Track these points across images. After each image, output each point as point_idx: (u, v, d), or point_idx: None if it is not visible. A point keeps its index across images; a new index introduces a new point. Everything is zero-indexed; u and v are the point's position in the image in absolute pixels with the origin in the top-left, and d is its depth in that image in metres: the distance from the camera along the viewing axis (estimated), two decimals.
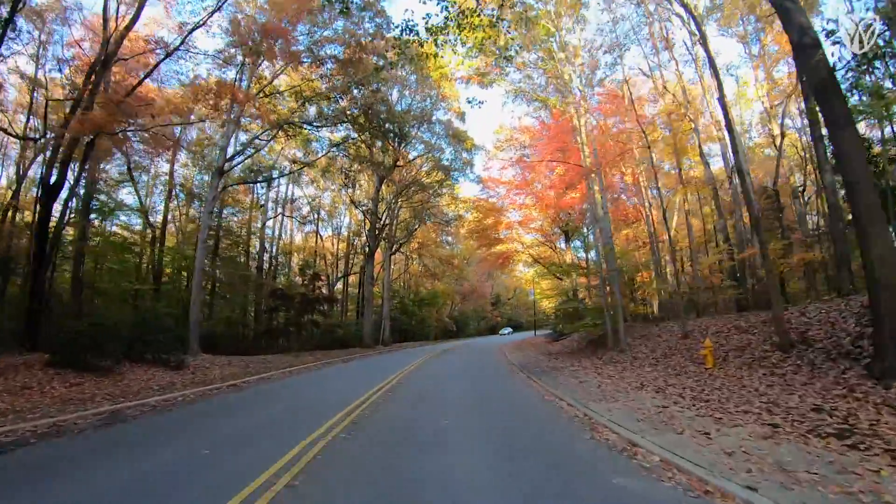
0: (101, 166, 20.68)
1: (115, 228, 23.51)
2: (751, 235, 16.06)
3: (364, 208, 28.48)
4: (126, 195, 25.29)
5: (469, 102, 27.24)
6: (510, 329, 56.22)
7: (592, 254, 24.53)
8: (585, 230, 36.85)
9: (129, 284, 20.26)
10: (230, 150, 20.53)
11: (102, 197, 21.40)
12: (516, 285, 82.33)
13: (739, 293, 16.99)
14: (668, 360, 11.50)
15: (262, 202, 33.05)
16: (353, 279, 45.00)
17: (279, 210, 31.69)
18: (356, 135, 22.09)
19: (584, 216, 35.92)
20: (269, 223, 38.34)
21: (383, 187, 31.66)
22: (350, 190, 27.20)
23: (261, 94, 19.66)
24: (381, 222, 28.49)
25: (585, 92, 22.87)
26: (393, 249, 34.24)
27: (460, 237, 57.92)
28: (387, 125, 22.35)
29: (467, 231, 38.44)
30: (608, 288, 15.90)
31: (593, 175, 20.74)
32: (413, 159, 31.81)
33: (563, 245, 39.49)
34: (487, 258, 44.42)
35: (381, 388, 9.91)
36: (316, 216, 40.66)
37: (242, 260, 31.64)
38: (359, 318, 43.91)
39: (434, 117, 29.63)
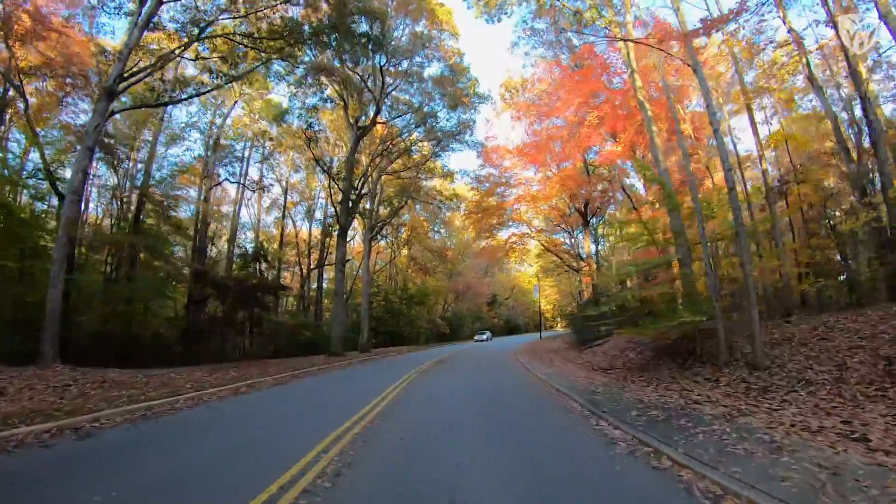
0: None
1: None
2: None
3: (334, 172, 21.94)
4: None
5: None
6: (488, 334, 44.98)
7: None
8: (613, 209, 30.78)
9: None
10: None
11: None
12: (514, 284, 76.19)
13: None
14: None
15: (214, 173, 26.35)
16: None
17: (228, 178, 24.98)
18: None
19: (605, 196, 29.81)
20: (227, 209, 31.66)
21: (363, 157, 25.24)
22: (314, 143, 20.62)
23: None
24: (357, 192, 22.09)
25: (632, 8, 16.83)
26: (374, 232, 27.71)
27: (454, 228, 51.65)
28: (360, 19, 15.88)
29: (466, 212, 32.02)
30: (716, 261, 9.65)
31: (650, 113, 14.72)
32: (392, 119, 25.39)
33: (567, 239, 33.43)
34: (487, 250, 38.29)
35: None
36: (284, 198, 34.02)
37: (183, 247, 24.92)
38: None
39: (424, 62, 23.31)
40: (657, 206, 19.87)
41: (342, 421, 5.95)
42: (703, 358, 9.85)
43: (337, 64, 17.88)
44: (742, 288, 12.86)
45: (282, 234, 33.35)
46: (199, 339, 18.69)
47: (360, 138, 22.90)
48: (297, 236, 36.81)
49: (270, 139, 28.45)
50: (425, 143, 28.18)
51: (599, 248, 30.91)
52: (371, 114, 23.07)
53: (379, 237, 32.43)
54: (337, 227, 22.12)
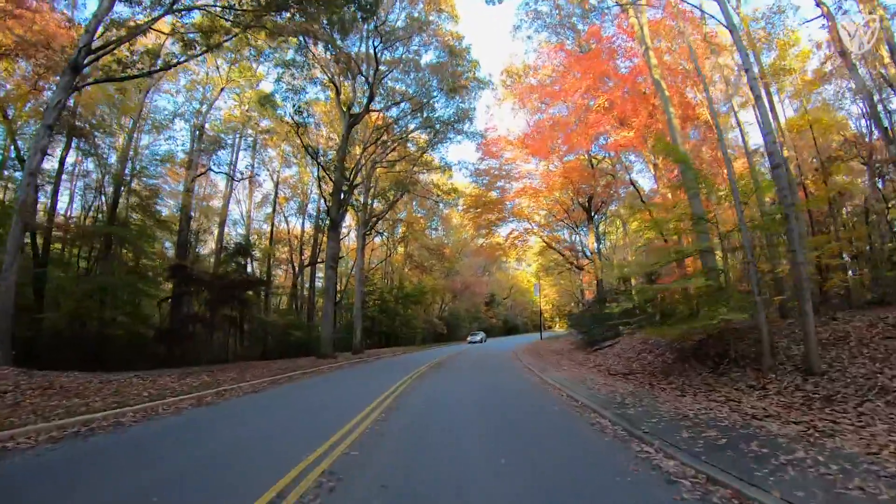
0: None
1: None
2: None
3: (326, 161, 20.55)
4: None
5: None
6: (482, 335, 41.47)
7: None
8: (615, 206, 29.55)
9: None
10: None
11: None
12: (513, 283, 74.93)
13: None
14: None
15: (203, 163, 24.95)
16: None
17: (212, 168, 23.53)
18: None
19: (609, 192, 28.59)
20: (218, 203, 30.26)
21: (356, 147, 23.90)
22: (303, 130, 19.18)
23: None
24: (350, 183, 20.75)
25: None
26: (368, 226, 26.36)
27: (452, 226, 50.34)
28: None
29: (464, 207, 30.73)
30: (759, 249, 8.40)
31: (667, 92, 13.57)
32: (387, 109, 24.06)
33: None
34: (485, 248, 37.03)
35: None
36: (275, 192, 32.63)
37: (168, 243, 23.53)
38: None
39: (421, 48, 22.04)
40: (669, 195, 18.69)
41: (306, 452, 4.65)
42: (740, 361, 8.59)
43: (325, 39, 16.47)
44: (772, 282, 11.62)
45: (272, 230, 31.95)
46: (180, 340, 17.30)
47: (353, 126, 21.56)
48: (289, 233, 35.44)
49: (263, 132, 27.13)
50: (422, 135, 26.91)
51: (601, 246, 29.70)
52: (364, 101, 21.76)
53: (374, 233, 31.11)
54: (328, 220, 20.77)
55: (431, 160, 29.02)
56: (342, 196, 20.64)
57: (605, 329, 17.93)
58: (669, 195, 18.64)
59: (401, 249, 42.86)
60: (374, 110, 23.02)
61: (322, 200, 20.04)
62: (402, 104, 23.48)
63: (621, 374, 10.82)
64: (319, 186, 19.73)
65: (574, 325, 23.65)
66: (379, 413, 6.80)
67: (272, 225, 31.47)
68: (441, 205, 41.91)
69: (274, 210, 30.86)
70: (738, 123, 14.44)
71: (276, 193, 29.91)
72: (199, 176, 22.79)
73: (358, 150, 22.91)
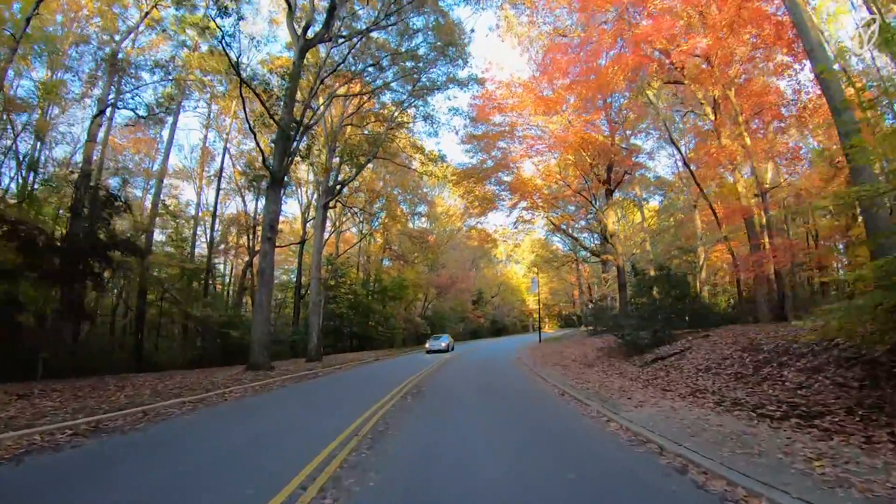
0: None
1: None
2: None
3: (265, 87, 14.31)
4: None
5: None
6: (447, 339, 27.02)
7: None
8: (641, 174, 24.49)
9: None
10: None
11: None
12: (501, 281, 69.64)
13: None
14: None
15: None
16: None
17: (116, 104, 17.08)
18: None
19: (631, 157, 23.44)
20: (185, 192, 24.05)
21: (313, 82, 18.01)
22: (230, 38, 12.81)
23: None
24: (300, 123, 14.84)
25: None
26: (332, 196, 20.36)
27: (437, 216, 44.68)
28: None
29: (455, 177, 25.09)
30: None
31: None
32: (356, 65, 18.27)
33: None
34: (476, 235, 31.53)
35: None
36: (222, 160, 26.39)
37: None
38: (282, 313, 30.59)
39: None
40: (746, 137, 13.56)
41: None
42: None
43: None
44: None
45: (217, 199, 25.72)
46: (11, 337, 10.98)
47: (307, 50, 15.73)
48: (245, 215, 29.25)
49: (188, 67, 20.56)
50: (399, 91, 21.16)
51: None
52: (324, 19, 15.94)
53: (337, 204, 25.05)
54: (267, 177, 14.78)
55: (410, 121, 23.35)
56: (289, 143, 14.74)
57: (659, 329, 12.61)
58: (746, 138, 13.47)
59: (379, 239, 37.02)
60: (339, 37, 17.21)
61: (262, 157, 14.01)
62: (374, 33, 17.72)
63: (783, 412, 5.33)
64: (251, 128, 13.64)
65: (600, 324, 18.22)
66: None
67: (217, 193, 25.15)
68: (425, 184, 36.33)
69: (219, 179, 24.60)
70: None
71: (224, 160, 23.62)
72: (99, 115, 16.49)
73: (311, 79, 16.90)
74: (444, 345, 24.82)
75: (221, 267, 34.89)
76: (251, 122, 13.91)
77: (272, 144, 15.39)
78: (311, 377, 12.96)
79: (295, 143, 15.14)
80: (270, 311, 16.69)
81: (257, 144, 14.26)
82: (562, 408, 7.36)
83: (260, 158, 15.24)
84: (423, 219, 43.28)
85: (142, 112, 17.01)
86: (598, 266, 36.83)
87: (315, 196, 24.47)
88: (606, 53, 15.70)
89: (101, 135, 19.03)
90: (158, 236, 27.18)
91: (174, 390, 9.43)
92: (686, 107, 19.75)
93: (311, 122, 15.69)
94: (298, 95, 15.66)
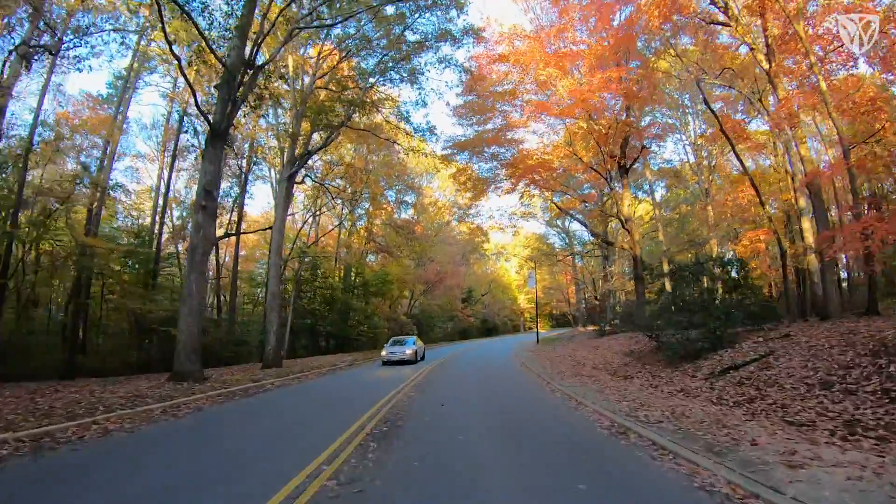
0: None
1: None
2: None
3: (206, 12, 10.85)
4: None
5: None
6: (414, 343, 18.61)
7: None
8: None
9: None
10: None
11: None
12: (491, 278, 66.54)
13: None
14: None
15: None
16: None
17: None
18: None
19: (647, 130, 20.45)
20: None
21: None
22: None
23: None
24: (250, 62, 11.36)
25: None
26: (297, 166, 16.81)
27: (424, 206, 41.34)
28: None
29: (450, 146, 21.78)
30: None
31: None
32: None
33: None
34: (466, 228, 28.36)
35: None
36: (128, 75, 22.45)
37: None
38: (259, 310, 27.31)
39: None
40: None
41: None
42: None
43: None
44: None
45: (171, 177, 22.00)
46: None
47: None
48: None
49: None
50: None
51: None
52: None
53: (322, 194, 21.56)
54: (206, 131, 11.31)
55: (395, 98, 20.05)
56: (237, 89, 11.30)
57: (716, 329, 9.57)
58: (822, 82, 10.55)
59: (361, 230, 33.57)
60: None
61: (195, 99, 10.63)
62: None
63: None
64: (178, 62, 10.13)
65: (624, 324, 15.10)
66: None
67: (165, 161, 21.39)
68: (412, 171, 33.06)
69: (165, 142, 20.83)
70: None
71: (130, 76, 19.29)
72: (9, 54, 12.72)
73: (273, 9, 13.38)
74: (408, 352, 17.37)
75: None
76: (180, 58, 10.37)
77: (212, 90, 11.88)
78: (251, 393, 9.56)
79: (242, 89, 11.67)
80: (204, 302, 13.22)
81: (187, 82, 10.78)
82: (652, 470, 4.05)
83: (192, 102, 11.71)
84: (411, 210, 39.97)
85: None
86: (598, 262, 34.00)
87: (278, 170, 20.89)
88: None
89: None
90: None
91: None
92: (718, 67, 16.85)
93: (265, 63, 12.20)
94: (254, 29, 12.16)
